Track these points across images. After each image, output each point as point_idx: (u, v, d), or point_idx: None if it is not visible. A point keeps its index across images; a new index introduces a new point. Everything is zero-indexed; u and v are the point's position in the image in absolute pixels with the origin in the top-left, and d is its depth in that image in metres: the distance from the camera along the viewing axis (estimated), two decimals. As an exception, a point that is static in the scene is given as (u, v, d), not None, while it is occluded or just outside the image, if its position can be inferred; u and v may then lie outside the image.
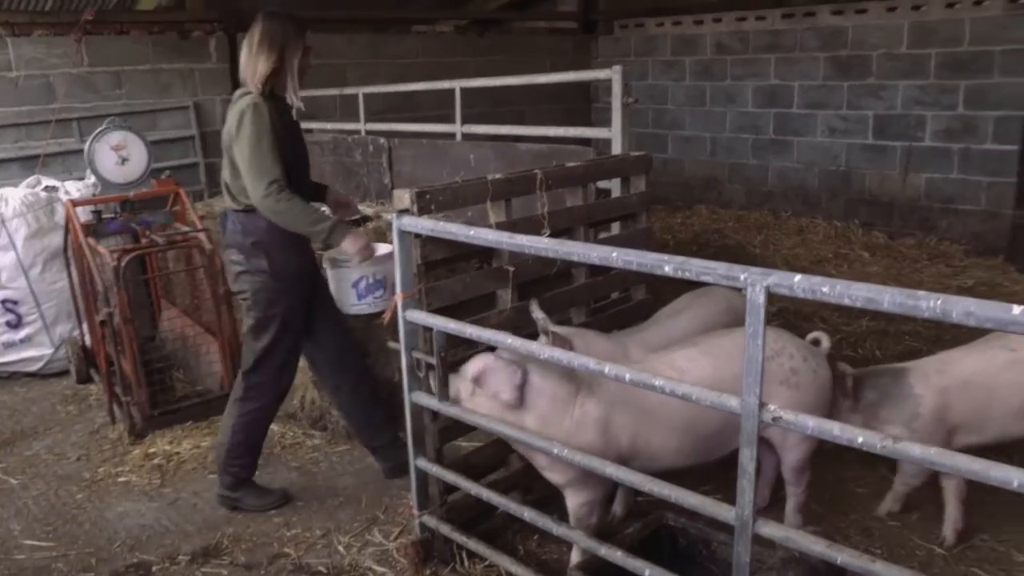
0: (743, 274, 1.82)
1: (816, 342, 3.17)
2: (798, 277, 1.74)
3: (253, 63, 3.33)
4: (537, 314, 2.99)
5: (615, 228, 3.96)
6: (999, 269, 6.85)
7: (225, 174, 3.44)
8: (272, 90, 3.37)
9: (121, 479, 4.09)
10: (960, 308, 1.55)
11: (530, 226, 3.24)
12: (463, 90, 5.50)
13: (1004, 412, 3.04)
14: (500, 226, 3.09)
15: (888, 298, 1.62)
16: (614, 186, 3.95)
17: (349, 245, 3.40)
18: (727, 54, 8.84)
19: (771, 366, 2.81)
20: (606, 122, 9.39)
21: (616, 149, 4.10)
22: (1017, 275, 6.69)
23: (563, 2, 10.27)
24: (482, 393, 2.73)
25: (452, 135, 5.48)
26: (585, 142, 4.61)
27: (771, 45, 8.47)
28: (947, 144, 7.48)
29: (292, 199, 3.25)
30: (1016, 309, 1.50)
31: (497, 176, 3.17)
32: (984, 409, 3.04)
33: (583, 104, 9.97)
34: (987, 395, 3.03)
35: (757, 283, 1.79)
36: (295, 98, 3.42)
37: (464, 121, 5.51)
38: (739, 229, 8.12)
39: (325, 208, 3.81)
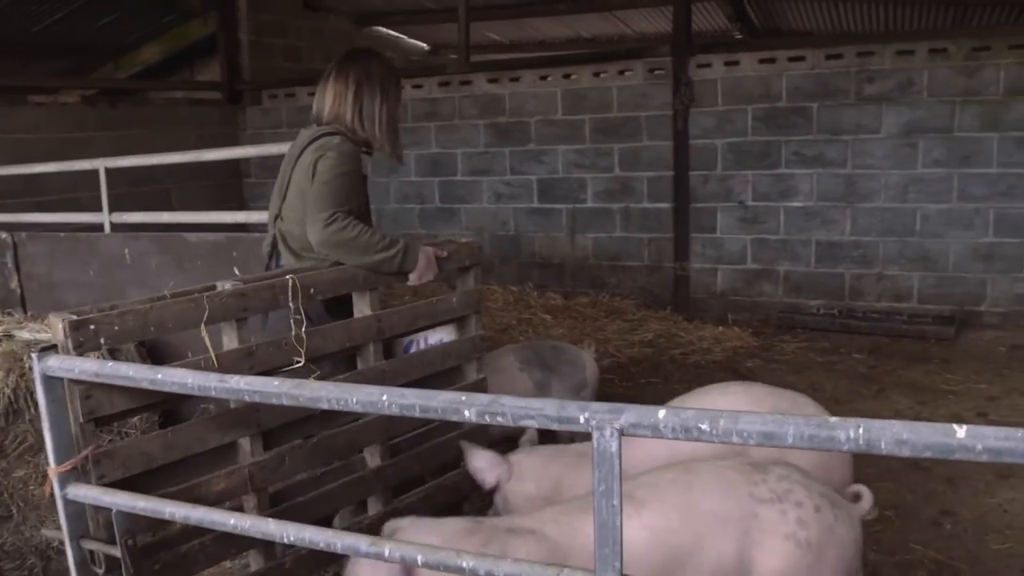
0: (583, 414, 1.34)
1: (857, 497, 2.42)
2: (663, 412, 1.29)
3: (354, 96, 3.08)
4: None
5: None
6: (670, 320, 7.13)
7: (287, 223, 3.06)
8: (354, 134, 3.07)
9: None
10: (889, 436, 1.19)
11: (279, 355, 2.53)
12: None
13: None
14: (226, 357, 2.35)
15: (793, 431, 1.22)
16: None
17: (420, 260, 2.91)
18: (386, 123, 8.54)
19: (771, 513, 2.18)
20: (259, 199, 8.66)
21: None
22: (687, 324, 6.99)
23: (203, 71, 9.43)
24: None
25: (98, 226, 4.50)
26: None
27: (430, 113, 8.31)
28: (608, 204, 7.73)
29: (358, 225, 2.81)
30: (960, 432, 1.16)
31: (226, 286, 2.42)
32: None
33: (234, 180, 9.15)
34: None
35: (606, 426, 1.32)
36: (387, 145, 3.19)
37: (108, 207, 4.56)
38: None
39: None
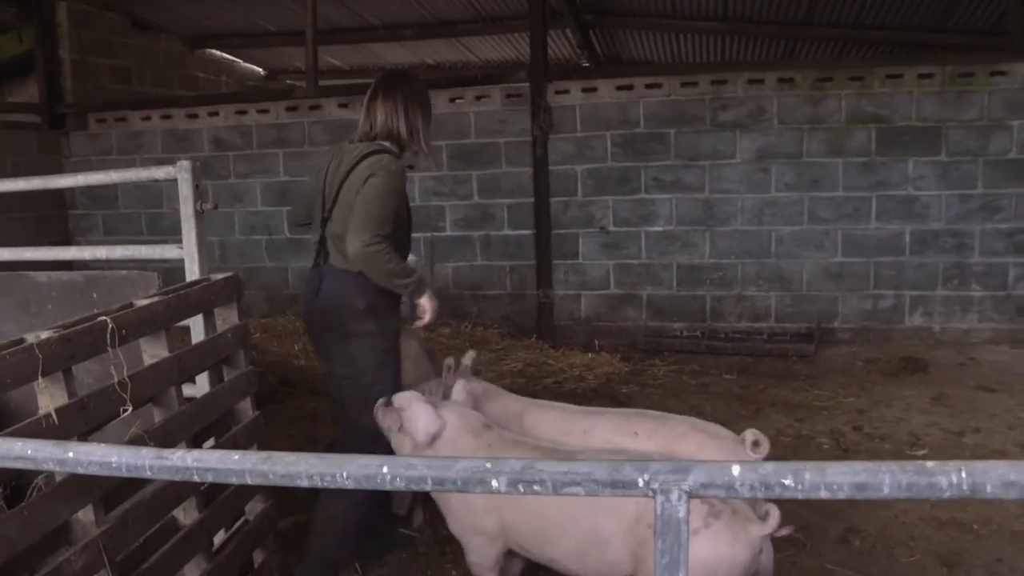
0: (642, 475, 1.15)
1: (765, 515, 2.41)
2: (738, 468, 1.12)
3: (405, 115, 3.35)
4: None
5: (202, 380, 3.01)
6: (536, 348, 7.03)
7: (337, 227, 3.26)
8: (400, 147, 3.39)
9: None
10: (996, 478, 1.07)
11: (105, 406, 2.25)
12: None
13: None
14: (61, 414, 2.07)
15: (889, 480, 1.09)
16: (194, 324, 2.99)
17: (426, 302, 3.35)
18: (229, 150, 8.06)
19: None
20: (88, 231, 8.02)
21: (193, 271, 3.14)
22: (554, 352, 6.92)
23: (18, 92, 8.62)
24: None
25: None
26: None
27: (278, 140, 7.91)
28: (468, 232, 7.58)
29: (390, 252, 3.15)
30: (1073, 472, 1.06)
31: (46, 334, 2.11)
32: None
33: (58, 212, 8.37)
34: None
35: (672, 488, 1.14)
36: (426, 160, 3.61)
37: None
38: (271, 340, 7.32)
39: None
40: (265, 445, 3.06)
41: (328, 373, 3.55)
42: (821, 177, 6.73)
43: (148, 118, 8.22)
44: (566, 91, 7.16)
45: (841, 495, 1.11)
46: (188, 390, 2.98)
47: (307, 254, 7.91)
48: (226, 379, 2.93)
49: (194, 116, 8.14)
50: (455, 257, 7.64)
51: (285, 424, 5.33)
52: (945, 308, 6.75)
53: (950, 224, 6.63)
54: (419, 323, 3.40)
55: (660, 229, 7.10)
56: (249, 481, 1.31)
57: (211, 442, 2.90)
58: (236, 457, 1.32)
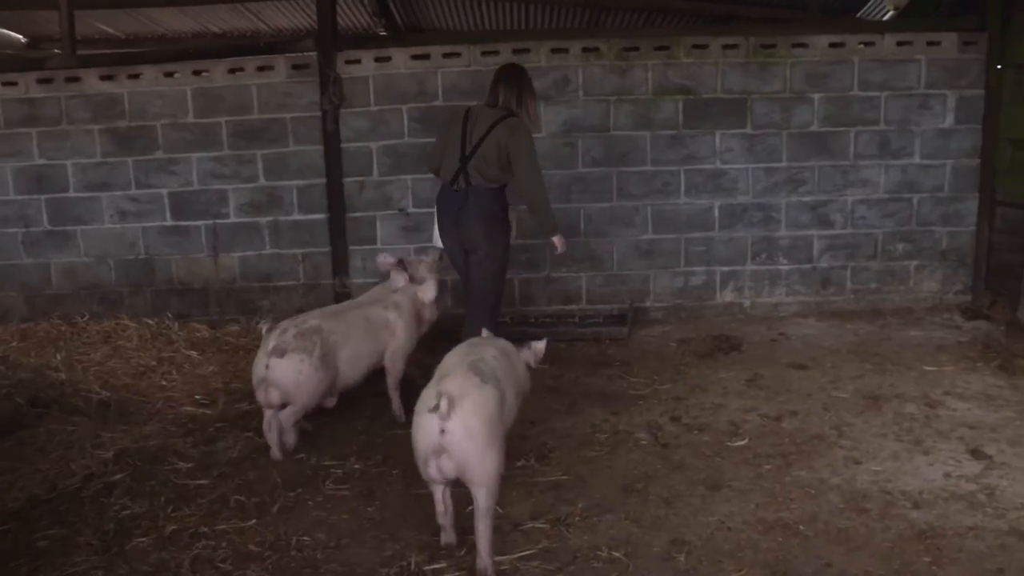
0: None
1: None
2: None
3: (518, 96, 4.81)
4: None
5: None
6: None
7: (480, 163, 4.72)
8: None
9: None
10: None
11: None
12: None
13: None
14: None
15: None
16: None
17: (559, 239, 5.09)
18: (-32, 130, 6.91)
19: None
20: None
21: None
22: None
23: None
24: None
25: None
26: None
27: (30, 117, 6.82)
28: (255, 218, 6.84)
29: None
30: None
31: None
32: None
33: None
34: None
35: None
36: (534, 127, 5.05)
37: None
38: (29, 349, 6.32)
39: None
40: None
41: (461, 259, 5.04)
42: (629, 151, 6.46)
43: None
44: (357, 61, 6.53)
45: None
46: None
47: (72, 247, 7.01)
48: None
49: (-81, 90, 6.91)
50: (241, 246, 6.88)
51: (34, 455, 4.42)
52: (754, 283, 6.67)
53: (757, 198, 6.55)
54: (558, 252, 5.13)
55: (465, 210, 6.62)
56: None
57: None
58: None
